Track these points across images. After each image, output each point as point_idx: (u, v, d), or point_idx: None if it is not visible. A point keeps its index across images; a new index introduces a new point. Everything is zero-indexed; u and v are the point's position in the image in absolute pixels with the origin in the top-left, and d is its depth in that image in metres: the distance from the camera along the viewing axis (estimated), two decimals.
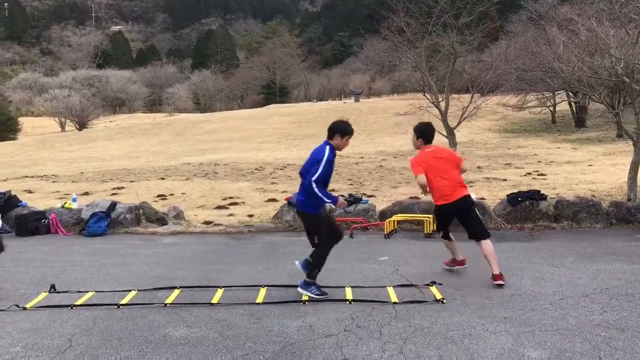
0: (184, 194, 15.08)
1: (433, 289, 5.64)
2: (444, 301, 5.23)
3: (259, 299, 5.45)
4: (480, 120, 29.70)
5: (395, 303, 5.22)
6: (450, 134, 11.26)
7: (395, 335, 4.46)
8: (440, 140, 20.28)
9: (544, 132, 33.83)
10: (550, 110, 36.54)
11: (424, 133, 6.22)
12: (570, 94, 28.00)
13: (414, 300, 5.31)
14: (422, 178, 5.94)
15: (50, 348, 4.36)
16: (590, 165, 18.90)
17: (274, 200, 13.14)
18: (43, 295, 5.72)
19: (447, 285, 5.77)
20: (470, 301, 5.24)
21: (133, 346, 4.36)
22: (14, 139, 51.75)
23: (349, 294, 5.54)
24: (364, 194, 12.51)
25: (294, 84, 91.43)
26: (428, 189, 6.04)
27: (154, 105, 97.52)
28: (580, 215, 9.03)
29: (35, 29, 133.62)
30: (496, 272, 5.73)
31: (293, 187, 15.68)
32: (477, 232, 6.02)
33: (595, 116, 29.27)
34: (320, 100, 77.30)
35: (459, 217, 6.18)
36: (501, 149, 26.59)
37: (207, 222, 10.38)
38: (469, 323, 4.68)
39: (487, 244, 5.93)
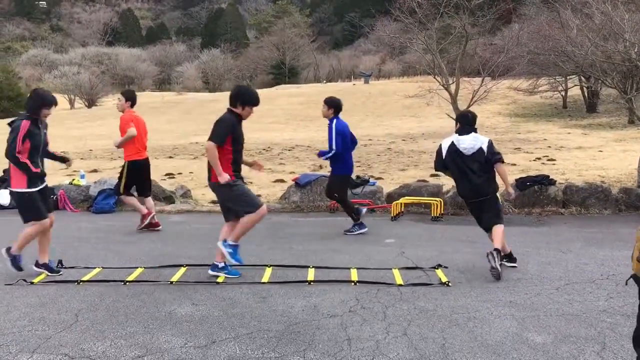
0: (191, 172, 15.11)
1: (439, 272, 5.64)
2: (449, 284, 5.23)
3: (265, 279, 5.47)
4: (490, 104, 29.44)
5: (400, 285, 5.22)
6: None
7: (400, 317, 4.46)
8: (450, 123, 20.15)
9: (554, 117, 33.53)
10: (562, 95, 36.20)
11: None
12: (583, 78, 27.68)
13: (420, 282, 5.30)
14: None
15: (57, 322, 4.40)
16: (600, 151, 18.73)
17: (281, 180, 13.14)
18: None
19: (453, 269, 5.76)
20: (475, 284, 5.23)
21: (139, 322, 4.39)
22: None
23: (354, 275, 5.55)
24: (372, 176, 12.49)
25: (303, 64, 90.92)
26: None
27: (163, 84, 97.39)
28: (589, 201, 8.97)
29: (45, 5, 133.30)
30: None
31: (301, 168, 15.66)
32: None
33: (607, 102, 28.96)
34: (330, 81, 76.88)
35: None
36: (511, 134, 26.39)
37: (214, 202, 10.39)
38: (473, 306, 4.68)
39: None
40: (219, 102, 48.22)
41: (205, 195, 11.13)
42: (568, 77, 30.89)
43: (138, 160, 7.94)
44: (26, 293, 5.10)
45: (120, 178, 8.03)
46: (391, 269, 5.75)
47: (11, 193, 5.66)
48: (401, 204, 8.97)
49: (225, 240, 5.54)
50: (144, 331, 4.22)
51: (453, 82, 11.07)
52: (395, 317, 4.45)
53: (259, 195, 10.90)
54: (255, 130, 30.62)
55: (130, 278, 5.49)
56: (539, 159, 16.88)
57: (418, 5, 11.08)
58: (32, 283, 5.37)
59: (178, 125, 35.98)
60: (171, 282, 5.39)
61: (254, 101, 5.56)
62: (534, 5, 36.10)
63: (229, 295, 5.02)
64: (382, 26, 20.22)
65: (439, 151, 6.00)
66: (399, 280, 5.34)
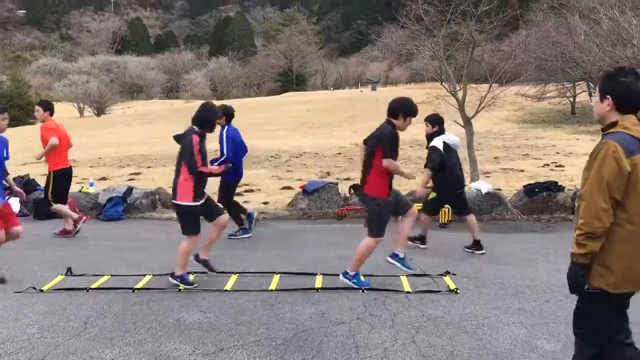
0: None
1: (447, 279, 5.62)
2: (458, 291, 5.21)
3: (272, 286, 5.47)
4: (498, 111, 29.37)
5: (408, 292, 5.21)
6: (468, 123, 11.15)
7: (408, 324, 4.45)
8: (456, 130, 20.12)
9: (563, 123, 33.37)
10: (570, 101, 36.05)
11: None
12: (591, 84, 27.58)
13: (428, 290, 5.29)
14: None
15: (66, 330, 4.42)
16: None
17: (289, 187, 13.14)
18: (59, 278, 5.80)
19: (461, 276, 5.74)
20: (484, 292, 5.21)
21: (147, 329, 4.41)
22: (33, 123, 52.23)
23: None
24: None
25: (310, 72, 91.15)
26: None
27: (171, 91, 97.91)
28: None
29: (55, 14, 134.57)
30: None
31: (308, 175, 15.67)
32: None
33: None
34: (337, 88, 77.01)
35: None
36: (519, 140, 26.29)
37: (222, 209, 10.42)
38: (482, 313, 4.66)
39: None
40: None
41: None
42: (576, 83, 30.79)
43: (64, 168, 8.17)
44: (35, 301, 5.12)
45: (46, 188, 8.19)
46: (399, 276, 5.73)
47: (176, 206, 5.58)
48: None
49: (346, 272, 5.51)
50: (152, 339, 4.23)
51: (460, 89, 11.07)
52: (403, 325, 4.44)
53: (266, 203, 10.93)
54: (262, 137, 30.71)
55: (138, 285, 5.51)
56: (548, 165, 16.80)
57: (425, 13, 11.10)
58: (41, 290, 5.40)
59: None
60: (179, 290, 5.40)
61: (415, 112, 5.53)
62: (541, 12, 36.06)
63: (237, 302, 5.03)
64: (389, 33, 20.25)
65: (438, 149, 6.61)
66: (407, 288, 5.33)
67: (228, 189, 7.87)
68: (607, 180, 2.67)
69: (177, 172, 5.48)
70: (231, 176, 7.59)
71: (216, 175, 5.94)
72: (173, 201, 5.59)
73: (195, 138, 5.40)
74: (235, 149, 7.64)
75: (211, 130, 5.61)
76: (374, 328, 4.38)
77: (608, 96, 2.81)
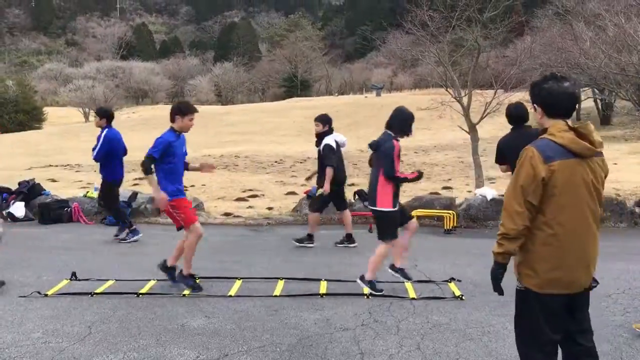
0: (204, 185, 15.17)
1: (452, 285, 5.60)
2: (463, 298, 5.19)
3: (277, 292, 5.45)
4: (503, 117, 29.25)
5: (413, 299, 5.19)
6: (473, 129, 11.13)
7: (413, 331, 4.43)
8: (462, 135, 20.11)
9: None
10: (575, 108, 35.99)
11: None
12: (596, 91, 27.53)
13: (433, 296, 5.27)
14: None
15: (71, 335, 4.41)
16: (615, 163, 18.55)
17: (293, 193, 13.14)
18: (64, 282, 5.80)
19: (466, 282, 5.72)
20: (489, 299, 5.17)
21: (151, 335, 4.40)
22: (39, 128, 52.52)
23: (366, 288, 5.51)
24: None
25: (315, 77, 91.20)
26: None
27: (176, 96, 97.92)
28: (604, 214, 8.88)
29: (61, 20, 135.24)
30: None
31: (313, 180, 15.67)
32: None
33: (622, 114, 28.70)
34: (342, 94, 77.06)
35: None
36: None
37: (226, 214, 10.43)
38: (488, 320, 4.64)
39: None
40: (232, 115, 48.54)
41: (217, 208, 11.17)
42: (581, 90, 30.73)
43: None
44: (40, 305, 5.12)
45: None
46: (404, 282, 5.71)
47: (376, 212, 5.54)
48: (414, 216, 8.92)
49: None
50: (157, 344, 4.22)
51: (465, 95, 11.07)
52: (409, 331, 4.42)
53: (271, 208, 10.93)
54: (267, 142, 30.77)
55: (143, 290, 5.51)
56: None
57: (430, 19, 11.11)
58: (46, 295, 5.40)
59: (190, 137, 36.08)
60: (184, 295, 5.39)
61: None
62: (547, 18, 36.05)
63: (241, 308, 5.02)
64: (394, 39, 20.29)
65: (333, 147, 7.29)
66: (412, 294, 5.31)
67: (108, 190, 8.19)
68: (522, 184, 2.77)
69: (375, 179, 5.45)
70: (109, 176, 8.09)
71: (410, 180, 5.73)
72: (371, 207, 5.54)
73: (396, 144, 5.41)
74: (112, 151, 7.95)
75: (407, 134, 5.55)
76: (378, 334, 4.36)
77: (535, 105, 2.94)
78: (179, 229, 5.67)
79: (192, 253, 5.59)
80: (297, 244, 7.60)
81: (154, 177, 5.46)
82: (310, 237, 7.60)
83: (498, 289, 2.98)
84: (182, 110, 5.62)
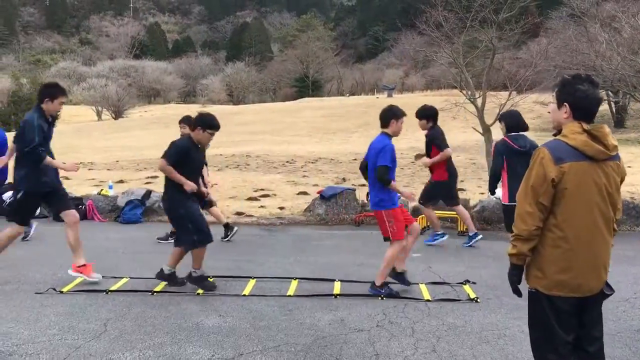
0: (215, 184, 15.20)
1: (467, 287, 5.57)
2: (478, 300, 5.15)
3: (290, 292, 5.45)
4: None
5: (428, 300, 5.16)
6: (487, 131, 11.07)
7: (428, 333, 4.40)
8: (474, 137, 19.99)
9: None
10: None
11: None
12: (610, 93, 27.30)
13: (447, 298, 5.24)
14: None
15: (86, 332, 4.43)
16: (629, 166, 18.36)
17: (305, 193, 13.13)
18: (79, 279, 5.82)
19: (481, 285, 5.68)
20: (505, 301, 5.14)
21: (166, 333, 4.41)
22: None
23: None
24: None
25: (326, 77, 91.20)
26: None
27: (188, 96, 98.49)
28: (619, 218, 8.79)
29: (75, 19, 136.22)
30: None
31: (324, 180, 15.66)
32: None
33: (636, 117, 28.50)
34: (353, 94, 76.98)
35: None
36: None
37: (238, 213, 10.44)
38: (503, 323, 4.60)
39: None
40: (243, 115, 48.63)
41: (229, 207, 11.18)
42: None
43: None
44: (55, 302, 5.15)
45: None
46: (418, 283, 5.69)
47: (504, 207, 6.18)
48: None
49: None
50: (172, 342, 4.23)
51: (480, 96, 11.01)
52: (424, 333, 4.39)
53: (282, 208, 10.93)
54: (278, 142, 30.78)
55: (157, 289, 5.52)
56: None
57: (445, 19, 11.06)
58: (61, 292, 5.43)
59: None
60: (198, 294, 5.40)
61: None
62: (561, 20, 35.78)
63: (256, 307, 5.02)
64: (407, 39, 20.27)
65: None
66: (427, 296, 5.28)
67: None
68: (532, 184, 2.77)
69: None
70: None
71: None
72: (504, 203, 6.17)
73: (506, 142, 6.11)
74: None
75: (525, 129, 6.20)
76: (394, 336, 4.34)
77: (565, 104, 2.87)
78: (385, 239, 5.44)
79: (391, 265, 5.40)
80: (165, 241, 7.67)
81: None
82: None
83: (516, 291, 2.96)
84: (397, 114, 5.46)
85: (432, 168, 7.65)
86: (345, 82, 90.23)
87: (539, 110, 36.83)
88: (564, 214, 2.78)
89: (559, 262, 2.80)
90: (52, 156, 5.74)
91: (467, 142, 28.45)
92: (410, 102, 47.81)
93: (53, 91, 5.67)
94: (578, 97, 2.83)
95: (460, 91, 11.64)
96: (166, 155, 5.40)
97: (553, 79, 22.70)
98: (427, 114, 7.54)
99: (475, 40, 14.15)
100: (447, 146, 7.49)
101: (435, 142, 7.46)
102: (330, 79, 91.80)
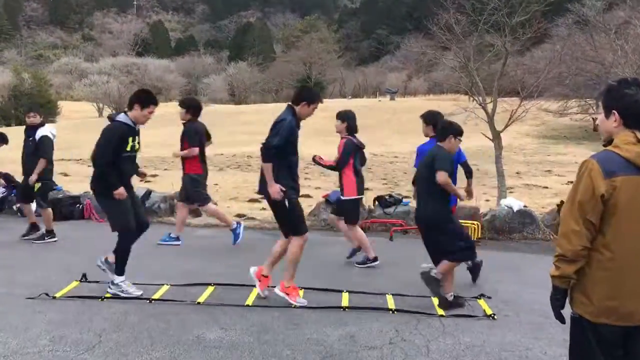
0: (216, 184, 14.93)
1: (482, 302, 5.28)
2: (495, 317, 4.86)
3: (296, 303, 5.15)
4: (519, 125, 28.86)
5: (442, 316, 4.88)
6: (497, 137, 10.80)
7: (445, 352, 4.12)
8: (480, 143, 19.76)
9: (585, 139, 32.83)
10: (593, 118, 35.50)
11: None
12: None
13: (463, 314, 4.94)
14: None
15: (79, 343, 4.14)
16: None
17: (308, 196, 12.85)
18: (74, 284, 5.54)
19: (497, 299, 5.39)
20: (523, 318, 4.86)
21: (165, 346, 4.12)
22: (53, 121, 52.53)
23: (390, 302, 5.21)
24: (399, 194, 12.13)
25: (329, 79, 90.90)
26: None
27: (189, 94, 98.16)
28: None
29: (78, 15, 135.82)
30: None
31: (327, 183, 15.39)
32: None
33: None
34: (355, 97, 76.70)
35: None
36: (540, 155, 25.86)
37: (240, 215, 10.16)
38: (524, 344, 4.32)
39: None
40: (245, 115, 48.37)
41: (230, 208, 10.90)
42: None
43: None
44: (47, 308, 4.86)
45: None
46: (430, 296, 5.40)
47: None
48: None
49: None
50: (170, 357, 3.95)
51: (490, 102, 10.75)
52: (440, 353, 4.11)
53: None
54: None
55: (155, 296, 5.24)
56: (572, 182, 16.40)
57: (456, 22, 10.80)
58: (54, 297, 5.14)
59: None
60: (198, 303, 5.11)
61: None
62: (566, 27, 35.60)
63: (260, 320, 4.73)
64: (415, 41, 20.00)
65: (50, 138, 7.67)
66: (440, 311, 4.99)
67: None
68: (580, 200, 2.51)
69: None
70: None
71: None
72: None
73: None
74: None
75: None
76: (408, 355, 4.05)
77: (614, 111, 2.58)
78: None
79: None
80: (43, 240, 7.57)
81: None
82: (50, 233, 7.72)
83: (559, 317, 2.66)
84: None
85: None
86: (347, 84, 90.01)
87: (543, 117, 36.61)
88: (614, 233, 2.50)
89: (607, 286, 2.51)
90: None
91: (471, 148, 28.21)
92: (412, 105, 47.60)
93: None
94: (627, 103, 2.54)
95: (471, 96, 11.37)
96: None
97: (556, 86, 22.50)
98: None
99: (482, 45, 13.90)
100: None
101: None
102: (333, 81, 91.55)
